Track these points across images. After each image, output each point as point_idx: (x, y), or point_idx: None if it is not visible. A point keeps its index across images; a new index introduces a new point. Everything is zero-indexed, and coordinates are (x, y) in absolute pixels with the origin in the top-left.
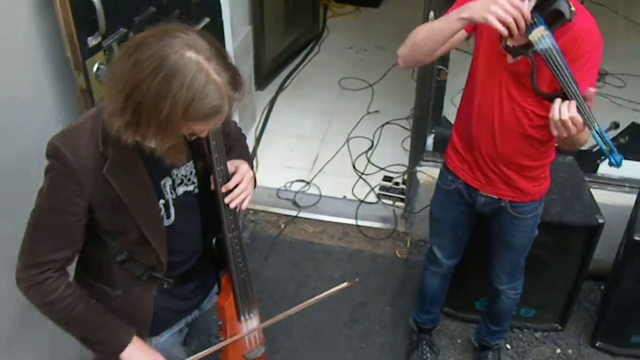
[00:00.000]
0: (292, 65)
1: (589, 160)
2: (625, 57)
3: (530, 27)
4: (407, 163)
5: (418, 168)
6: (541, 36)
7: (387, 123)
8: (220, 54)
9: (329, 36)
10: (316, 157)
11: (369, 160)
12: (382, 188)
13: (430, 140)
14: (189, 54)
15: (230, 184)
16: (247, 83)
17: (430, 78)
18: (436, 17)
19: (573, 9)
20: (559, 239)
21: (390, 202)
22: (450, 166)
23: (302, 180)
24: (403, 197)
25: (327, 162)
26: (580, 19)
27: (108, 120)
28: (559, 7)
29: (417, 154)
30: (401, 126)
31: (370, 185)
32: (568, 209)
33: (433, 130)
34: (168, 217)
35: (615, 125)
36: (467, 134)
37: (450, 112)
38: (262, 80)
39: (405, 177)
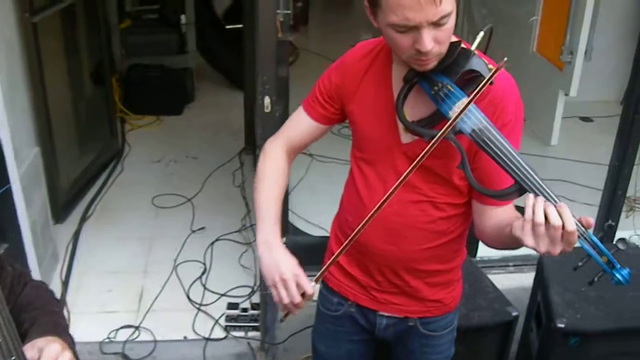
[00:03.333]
0: (94, 189)
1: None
2: None
3: (445, 97)
4: (250, 283)
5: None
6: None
7: (217, 240)
8: None
9: (132, 151)
10: (141, 294)
11: (205, 287)
12: (229, 318)
13: None
14: None
15: None
16: (43, 216)
17: None
18: (272, 102)
19: (491, 66)
20: (471, 345)
21: (242, 333)
22: (332, 285)
23: (129, 326)
24: (257, 324)
25: (155, 298)
26: (496, 77)
27: None
28: (473, 67)
29: None
30: (234, 241)
31: (213, 318)
32: (474, 307)
33: (282, 240)
34: None
35: (610, 228)
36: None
37: (294, 218)
38: (60, 211)
39: (253, 300)
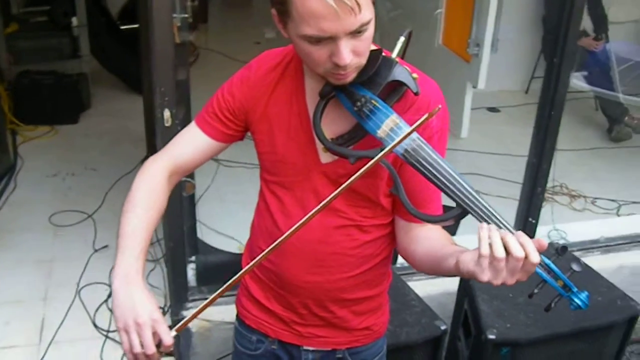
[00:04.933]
0: None
1: None
2: None
3: (370, 113)
4: (160, 304)
5: (184, 312)
6: (395, 128)
7: None
8: None
9: (25, 166)
10: (42, 324)
11: (112, 311)
12: None
13: (191, 273)
14: None
15: None
16: None
17: (176, 196)
18: (172, 116)
19: (415, 75)
20: None
21: None
22: (250, 322)
23: None
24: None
25: (58, 328)
26: (421, 86)
27: None
28: (397, 77)
29: (178, 295)
30: None
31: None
32: (401, 323)
33: (192, 259)
34: None
35: (562, 250)
36: (268, 271)
37: (204, 230)
38: None
39: None
